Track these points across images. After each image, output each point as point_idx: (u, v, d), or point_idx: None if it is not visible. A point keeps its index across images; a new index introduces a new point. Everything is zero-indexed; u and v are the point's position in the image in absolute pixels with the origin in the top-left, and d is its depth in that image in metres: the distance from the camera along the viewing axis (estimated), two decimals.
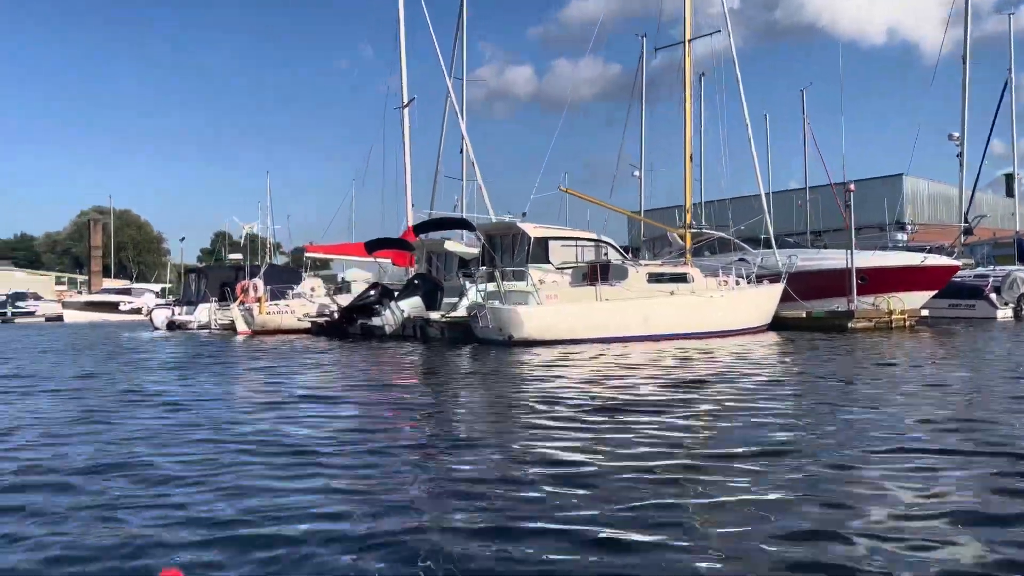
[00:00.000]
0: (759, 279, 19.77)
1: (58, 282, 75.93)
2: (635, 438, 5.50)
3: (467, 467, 4.69)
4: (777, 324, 20.13)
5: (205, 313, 29.50)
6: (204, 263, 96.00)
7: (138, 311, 44.92)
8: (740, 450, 5.04)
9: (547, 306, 16.31)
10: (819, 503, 3.77)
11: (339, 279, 28.50)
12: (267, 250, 56.97)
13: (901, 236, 29.49)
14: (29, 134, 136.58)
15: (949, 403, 7.15)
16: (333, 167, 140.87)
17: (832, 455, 4.85)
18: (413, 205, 28.54)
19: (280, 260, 57.64)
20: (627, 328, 16.51)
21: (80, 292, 64.45)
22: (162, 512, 3.76)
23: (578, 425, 6.10)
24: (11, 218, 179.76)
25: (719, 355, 12.82)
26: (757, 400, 7.40)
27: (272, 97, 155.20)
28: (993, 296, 25.02)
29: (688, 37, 19.13)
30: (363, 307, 22.13)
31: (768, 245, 20.88)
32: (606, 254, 21.25)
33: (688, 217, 19.70)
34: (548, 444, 5.36)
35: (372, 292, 22.67)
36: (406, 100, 28.47)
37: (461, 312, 18.75)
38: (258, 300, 25.02)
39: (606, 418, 6.40)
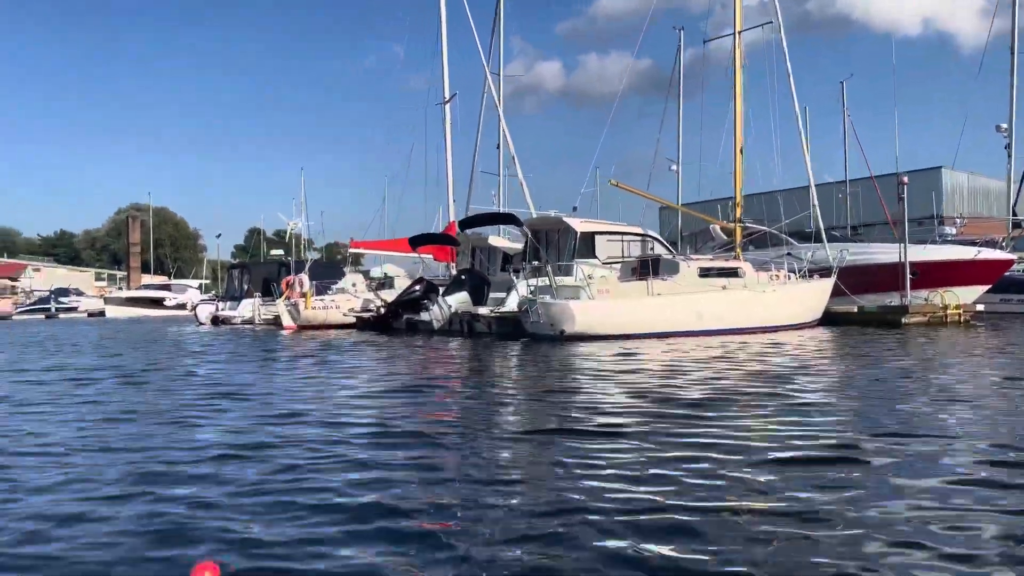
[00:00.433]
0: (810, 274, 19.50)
1: (98, 278, 77.35)
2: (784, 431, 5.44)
3: (620, 456, 4.66)
4: (827, 319, 19.85)
5: (249, 308, 29.81)
6: (239, 259, 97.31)
7: (182, 307, 45.60)
8: (870, 445, 4.96)
9: (600, 301, 16.24)
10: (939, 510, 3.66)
11: (383, 274, 28.63)
12: (303, 246, 57.57)
13: (949, 230, 28.88)
14: (68, 133, 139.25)
15: None
16: (365, 164, 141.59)
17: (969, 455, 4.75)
18: (456, 201, 28.54)
19: (313, 256, 58.12)
20: (680, 323, 16.39)
21: (120, 288, 65.56)
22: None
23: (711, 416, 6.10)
24: (51, 215, 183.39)
25: (788, 349, 12.73)
26: (869, 396, 7.29)
27: (303, 95, 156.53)
28: None
29: (739, 28, 18.92)
30: (408, 302, 22.22)
31: (818, 239, 20.58)
32: (652, 249, 21.11)
33: (739, 211, 19.48)
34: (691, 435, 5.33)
35: (417, 287, 22.74)
36: (447, 96, 28.50)
37: (510, 307, 18.74)
38: (303, 295, 25.23)
39: (720, 412, 6.37)
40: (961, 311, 19.90)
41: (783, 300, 18.26)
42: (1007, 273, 22.74)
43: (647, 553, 3.04)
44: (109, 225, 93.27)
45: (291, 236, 41.23)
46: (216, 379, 10.06)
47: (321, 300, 25.40)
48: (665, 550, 3.07)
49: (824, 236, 20.76)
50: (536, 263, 17.66)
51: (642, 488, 3.98)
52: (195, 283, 58.93)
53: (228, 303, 32.12)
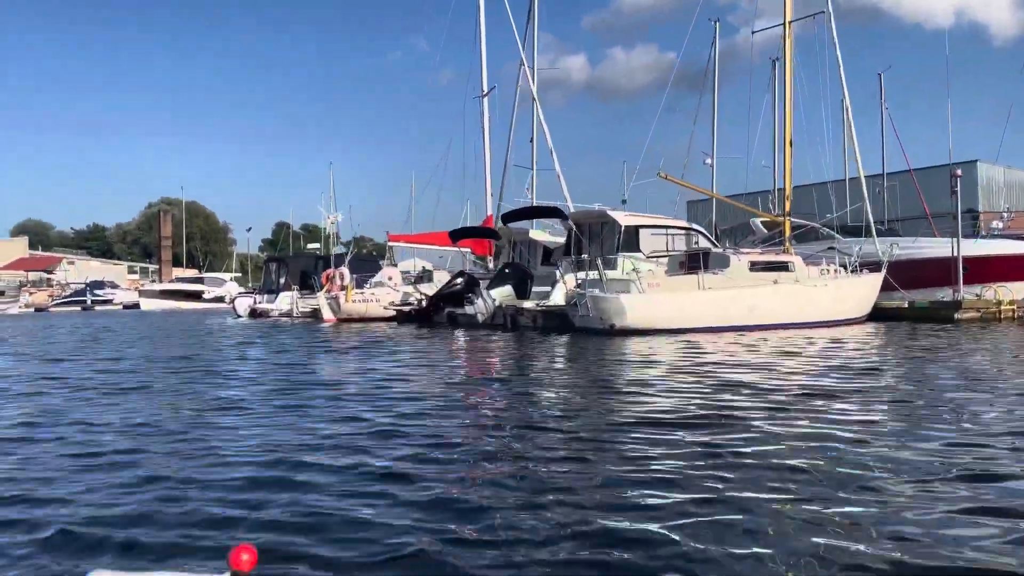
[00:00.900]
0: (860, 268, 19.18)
1: (130, 271, 78.27)
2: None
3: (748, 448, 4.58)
4: (875, 315, 19.54)
5: (286, 301, 30.01)
6: (267, 253, 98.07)
7: (220, 299, 46.04)
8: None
9: (651, 295, 16.10)
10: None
11: (421, 268, 28.64)
12: (331, 240, 57.80)
13: (997, 224, 28.31)
14: (99, 126, 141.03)
15: None
16: (390, 158, 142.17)
17: None
18: (493, 195, 28.45)
19: (340, 250, 58.46)
20: (731, 317, 16.21)
21: (152, 281, 66.32)
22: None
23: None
24: (84, 209, 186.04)
25: (855, 344, 12.56)
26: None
27: (329, 89, 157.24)
28: None
29: (788, 19, 18.63)
30: (450, 295, 22.21)
31: (867, 233, 20.25)
32: (697, 242, 20.89)
33: (788, 205, 19.21)
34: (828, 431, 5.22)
35: (459, 281, 22.73)
36: (486, 89, 28.41)
37: (556, 301, 18.65)
38: (344, 289, 25.31)
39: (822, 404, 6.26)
40: (1015, 307, 19.49)
41: (834, 295, 18.00)
42: None
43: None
44: (140, 219, 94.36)
45: (328, 230, 41.37)
46: (313, 369, 10.27)
47: (361, 293, 25.47)
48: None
49: (874, 230, 20.41)
50: (585, 256, 17.53)
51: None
52: (227, 276, 59.42)
53: (265, 296, 32.37)
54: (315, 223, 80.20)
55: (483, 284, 21.44)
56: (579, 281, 17.49)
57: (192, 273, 67.75)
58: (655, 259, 19.11)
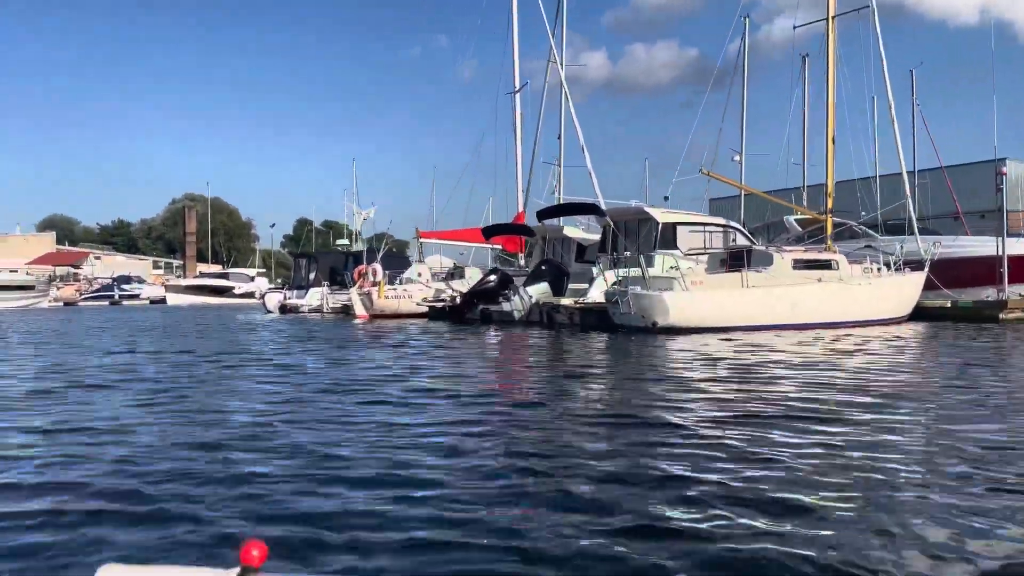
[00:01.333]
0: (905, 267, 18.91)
1: (155, 266, 78.93)
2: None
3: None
4: (917, 314, 19.26)
5: (316, 297, 30.11)
6: (288, 249, 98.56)
7: (251, 295, 46.32)
8: None
9: (695, 292, 15.95)
10: None
11: (452, 265, 28.65)
12: (354, 236, 57.95)
13: None
14: (124, 122, 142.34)
15: None
16: (413, 155, 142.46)
17: None
18: (524, 191, 28.36)
19: (360, 246, 58.75)
20: (775, 316, 16.03)
21: (178, 277, 66.86)
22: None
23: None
24: (108, 205, 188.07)
25: (913, 343, 12.37)
26: None
27: (351, 86, 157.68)
28: None
29: (832, 14, 18.39)
30: (483, 292, 22.16)
31: (910, 230, 19.97)
32: (735, 240, 20.73)
33: (830, 202, 18.97)
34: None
35: (492, 278, 22.68)
36: (518, 85, 28.31)
37: (593, 297, 18.55)
38: (376, 285, 25.33)
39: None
40: None
41: (877, 294, 17.77)
42: None
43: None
44: (164, 214, 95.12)
45: (360, 226, 41.43)
46: (377, 362, 10.36)
47: (394, 289, 25.48)
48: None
49: (916, 228, 20.12)
50: (627, 253, 17.39)
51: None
52: (252, 272, 59.79)
53: (295, 292, 32.49)
54: (336, 219, 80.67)
55: (517, 281, 21.39)
56: (618, 278, 17.37)
57: (216, 269, 68.25)
58: (692, 256, 18.96)
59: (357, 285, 26.10)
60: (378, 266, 26.13)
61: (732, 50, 34.39)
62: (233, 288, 50.30)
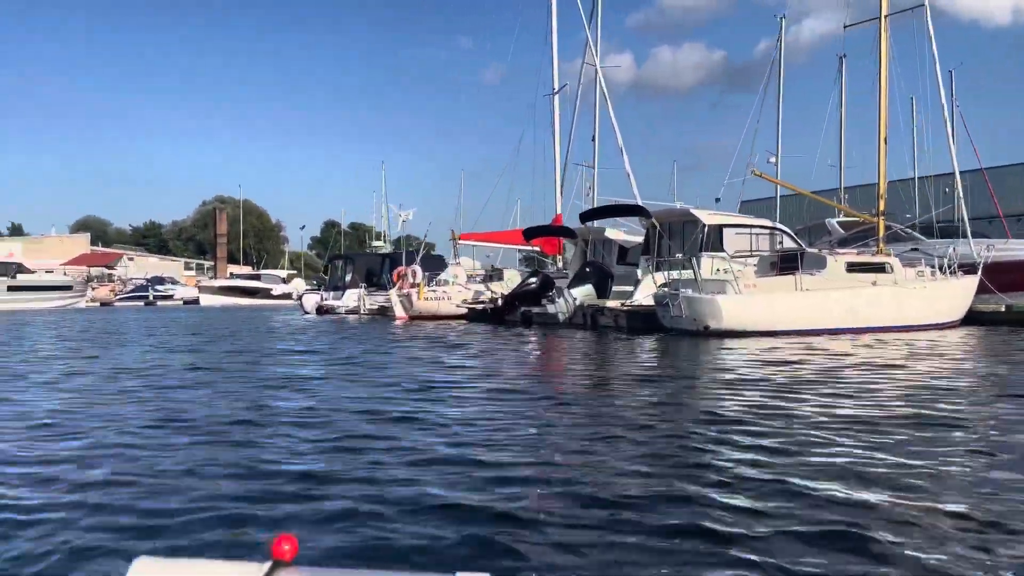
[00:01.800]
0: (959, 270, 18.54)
1: (186, 267, 79.80)
2: None
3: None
4: (971, 318, 18.86)
5: (353, 298, 30.19)
6: (315, 251, 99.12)
7: (288, 296, 46.65)
8: None
9: (748, 295, 15.73)
10: None
11: (491, 267, 28.61)
12: (384, 237, 58.17)
13: None
14: (155, 125, 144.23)
15: None
16: (439, 156, 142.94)
17: None
18: (562, 194, 28.25)
19: (387, 248, 59.04)
20: (830, 320, 15.78)
21: (210, 278, 67.51)
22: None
23: None
24: (140, 206, 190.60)
25: (977, 346, 12.11)
26: None
27: (378, 88, 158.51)
28: None
29: (885, 12, 18.08)
30: (525, 294, 22.07)
31: (962, 233, 19.58)
32: (781, 242, 20.44)
33: (882, 204, 18.63)
34: None
35: (533, 280, 22.58)
36: (557, 87, 28.22)
37: (640, 300, 18.38)
38: (415, 286, 25.33)
39: None
40: None
41: (931, 297, 17.43)
42: None
43: None
44: (195, 216, 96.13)
45: (399, 228, 41.56)
46: (453, 364, 10.38)
47: (433, 291, 25.47)
48: None
49: (968, 230, 19.74)
50: (678, 255, 17.22)
51: None
52: (283, 273, 60.25)
53: (331, 293, 32.62)
54: (362, 222, 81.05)
55: (562, 283, 21.27)
56: (667, 280, 17.19)
57: (246, 270, 68.79)
58: (739, 259, 18.71)
59: (396, 287, 26.12)
60: (418, 268, 26.15)
61: (760, 51, 34.10)
62: (270, 289, 50.66)
